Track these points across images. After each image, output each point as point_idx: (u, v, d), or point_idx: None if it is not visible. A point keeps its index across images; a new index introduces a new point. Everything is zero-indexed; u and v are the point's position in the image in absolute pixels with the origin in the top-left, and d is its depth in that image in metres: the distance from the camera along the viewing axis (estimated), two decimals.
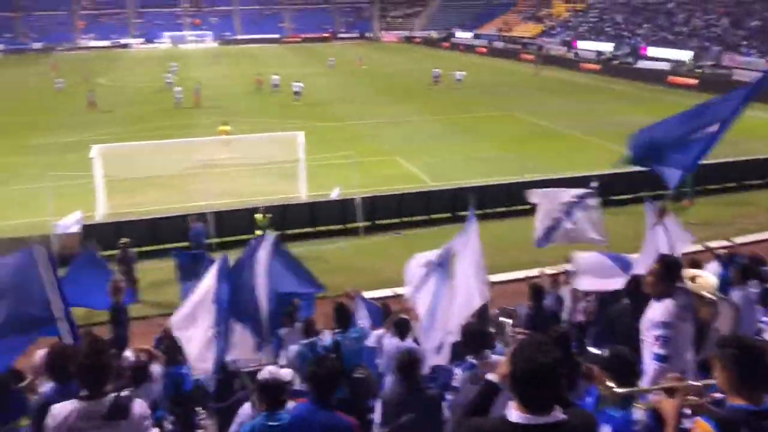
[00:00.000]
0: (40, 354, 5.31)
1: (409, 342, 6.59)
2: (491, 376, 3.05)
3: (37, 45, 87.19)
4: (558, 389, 2.54)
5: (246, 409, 4.88)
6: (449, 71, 49.29)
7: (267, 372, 4.38)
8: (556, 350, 2.56)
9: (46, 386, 4.89)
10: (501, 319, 8.04)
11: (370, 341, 6.76)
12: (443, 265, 6.60)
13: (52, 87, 48.52)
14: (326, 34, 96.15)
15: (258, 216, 16.86)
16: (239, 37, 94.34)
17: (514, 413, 2.52)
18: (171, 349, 6.96)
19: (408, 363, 5.08)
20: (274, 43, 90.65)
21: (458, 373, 5.28)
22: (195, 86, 41.17)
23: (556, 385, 2.52)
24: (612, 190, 17.77)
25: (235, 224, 17.84)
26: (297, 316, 8.88)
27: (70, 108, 40.22)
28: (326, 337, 7.05)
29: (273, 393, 4.30)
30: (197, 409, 7.57)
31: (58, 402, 3.88)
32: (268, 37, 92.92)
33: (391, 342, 6.56)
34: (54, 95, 46.42)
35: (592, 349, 5.35)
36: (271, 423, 4.16)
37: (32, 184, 21.54)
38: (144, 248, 16.60)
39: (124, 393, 3.79)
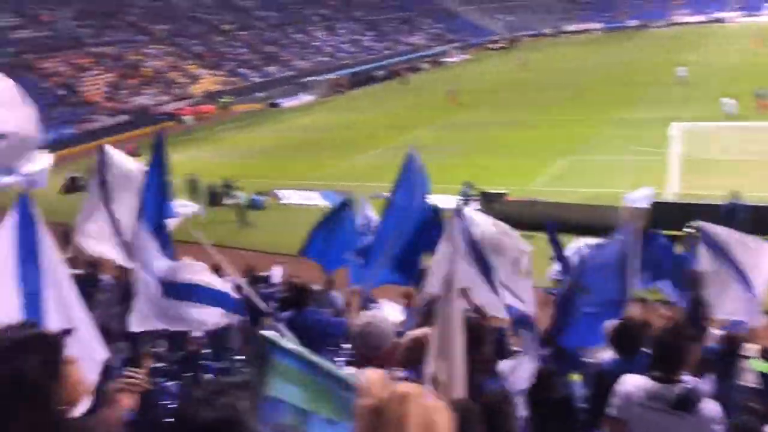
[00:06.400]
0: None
1: None
2: None
3: (633, 22, 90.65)
4: None
5: None
6: None
7: None
8: None
9: (606, 355, 4.92)
10: None
11: None
12: None
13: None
14: None
15: None
16: None
17: None
18: None
19: None
20: None
21: None
22: None
23: None
24: None
25: None
26: None
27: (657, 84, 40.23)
28: None
29: None
30: None
31: (615, 372, 3.89)
32: None
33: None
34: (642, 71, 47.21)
35: None
36: None
37: (613, 155, 23.20)
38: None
39: (696, 386, 3.49)
